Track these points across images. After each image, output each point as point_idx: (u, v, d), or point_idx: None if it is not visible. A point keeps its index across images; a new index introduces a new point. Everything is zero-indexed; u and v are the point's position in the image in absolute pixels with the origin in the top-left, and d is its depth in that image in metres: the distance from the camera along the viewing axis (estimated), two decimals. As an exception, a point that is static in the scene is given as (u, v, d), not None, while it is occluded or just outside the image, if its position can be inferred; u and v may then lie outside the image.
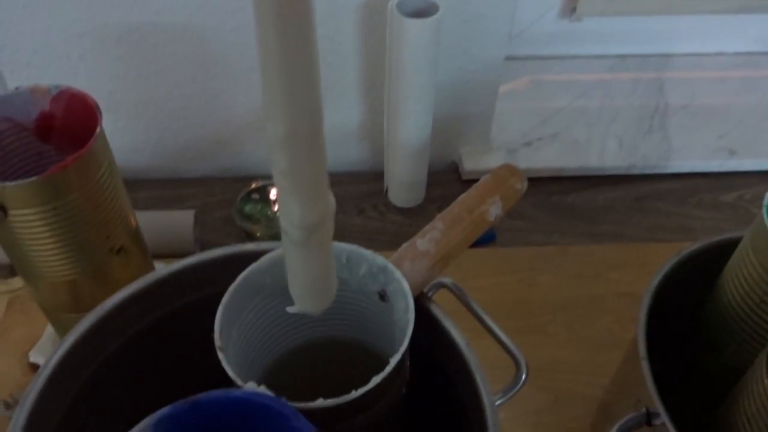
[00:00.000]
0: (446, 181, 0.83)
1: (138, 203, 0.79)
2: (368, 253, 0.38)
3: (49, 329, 0.63)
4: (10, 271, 0.69)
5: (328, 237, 0.28)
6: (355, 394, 0.32)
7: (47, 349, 0.62)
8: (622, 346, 0.56)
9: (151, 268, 0.59)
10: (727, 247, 0.48)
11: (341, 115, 0.80)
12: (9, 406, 0.59)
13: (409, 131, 0.74)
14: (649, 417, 0.42)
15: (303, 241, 0.27)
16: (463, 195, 0.43)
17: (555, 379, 0.63)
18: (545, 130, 0.87)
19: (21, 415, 0.35)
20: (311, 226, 0.27)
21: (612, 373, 0.56)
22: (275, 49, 0.21)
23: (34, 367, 0.62)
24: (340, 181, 0.82)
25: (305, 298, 0.31)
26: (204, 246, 0.75)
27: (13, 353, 0.64)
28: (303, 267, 0.29)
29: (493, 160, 0.83)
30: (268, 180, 0.75)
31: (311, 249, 0.28)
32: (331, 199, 0.27)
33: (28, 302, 0.66)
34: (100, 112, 0.48)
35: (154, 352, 0.42)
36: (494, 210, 0.43)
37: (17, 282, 0.68)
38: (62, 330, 0.57)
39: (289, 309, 0.33)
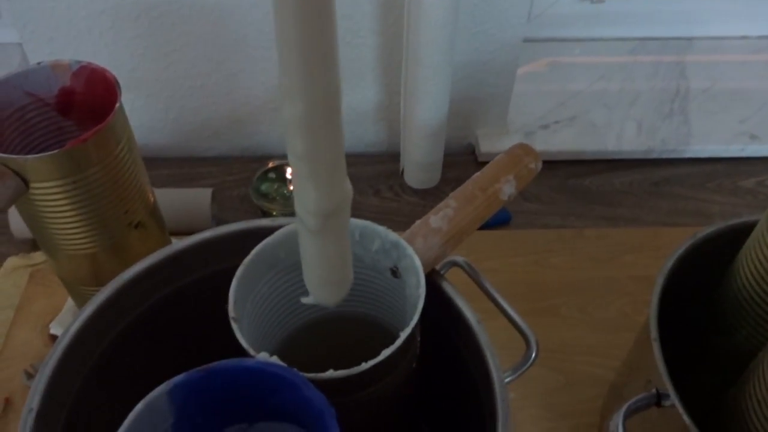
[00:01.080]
0: (462, 162, 0.83)
1: (156, 181, 0.79)
2: (381, 229, 0.38)
3: (70, 302, 0.65)
4: (32, 246, 0.71)
5: (345, 225, 0.27)
6: (365, 365, 0.32)
7: (67, 322, 0.63)
8: (635, 329, 0.56)
9: (169, 244, 0.60)
10: (743, 231, 0.47)
11: (358, 95, 0.80)
12: (31, 376, 0.61)
13: (426, 112, 0.74)
14: (659, 398, 0.42)
15: (319, 229, 0.26)
16: (477, 173, 0.43)
17: (567, 360, 0.63)
18: (563, 113, 0.86)
19: (40, 383, 0.36)
20: (327, 214, 0.26)
21: (624, 356, 0.56)
22: (293, 24, 0.21)
23: (55, 339, 0.63)
24: (356, 161, 0.82)
25: (320, 289, 0.31)
26: (220, 224, 0.76)
27: (35, 325, 0.65)
28: (318, 256, 0.28)
29: (510, 143, 0.80)
30: (284, 159, 0.75)
31: (327, 237, 0.27)
32: (349, 185, 0.26)
33: (49, 275, 0.67)
34: (120, 88, 0.48)
35: (170, 324, 0.43)
36: (508, 189, 0.43)
37: (38, 256, 0.70)
38: (82, 302, 0.58)
39: (304, 300, 0.32)
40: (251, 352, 0.33)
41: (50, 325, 0.64)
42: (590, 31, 0.95)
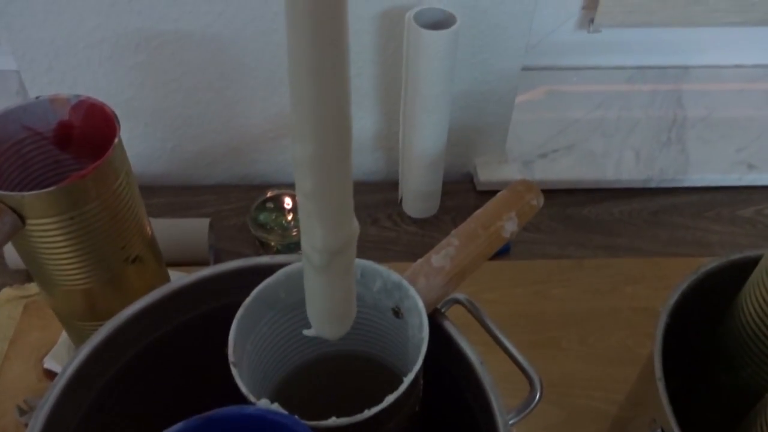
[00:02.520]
0: (461, 191, 0.83)
1: (154, 210, 0.79)
2: (383, 269, 0.37)
3: (64, 335, 0.64)
4: (27, 276, 0.70)
5: (351, 262, 0.28)
6: (368, 413, 0.31)
7: (62, 355, 0.62)
8: (637, 362, 0.55)
9: (166, 277, 0.60)
10: (746, 266, 0.47)
11: (357, 124, 0.80)
12: (23, 412, 0.60)
13: (425, 141, 0.74)
14: (664, 438, 0.42)
15: (324, 266, 0.27)
16: (478, 210, 0.43)
17: (568, 394, 0.62)
18: (561, 142, 0.86)
19: (36, 425, 0.35)
20: (334, 251, 0.26)
21: (626, 390, 0.56)
22: (308, 66, 0.20)
23: (48, 373, 0.63)
24: (354, 190, 0.81)
25: (323, 323, 0.31)
26: (218, 254, 0.76)
27: (28, 358, 0.64)
28: (323, 292, 0.28)
29: (509, 171, 0.82)
30: (282, 189, 0.75)
31: (332, 274, 0.27)
32: (355, 224, 0.26)
33: (44, 307, 0.67)
34: (119, 122, 0.48)
35: (168, 363, 0.42)
36: (510, 226, 0.42)
37: (33, 287, 0.69)
38: (76, 337, 0.57)
39: (306, 332, 0.32)
40: (251, 398, 0.32)
41: (44, 359, 0.63)
42: (588, 59, 0.96)
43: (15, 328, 0.66)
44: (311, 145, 0.22)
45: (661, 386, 0.42)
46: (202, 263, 0.73)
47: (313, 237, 0.25)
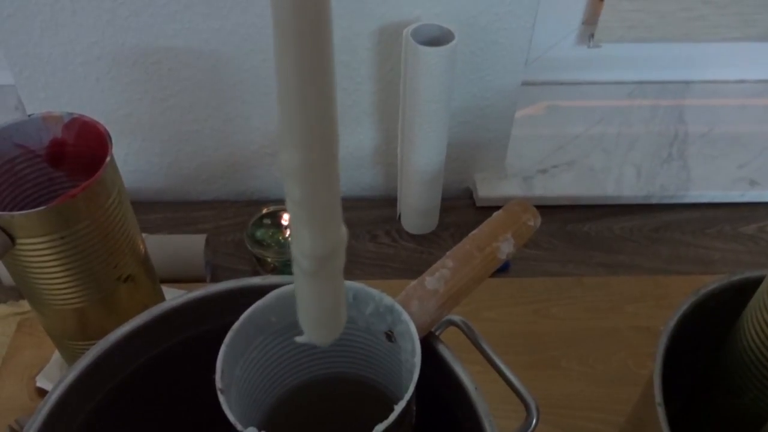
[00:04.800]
0: (460, 207, 0.82)
1: (150, 225, 0.79)
2: (375, 292, 0.37)
3: (57, 354, 0.63)
4: (21, 293, 0.69)
5: (340, 268, 0.28)
6: (357, 443, 0.31)
7: (54, 374, 0.62)
8: (638, 383, 0.54)
9: (160, 295, 0.59)
10: (748, 286, 0.46)
11: (355, 140, 0.79)
12: (14, 432, 0.59)
13: (423, 157, 0.73)
14: (664, 465, 0.41)
15: (314, 272, 0.27)
16: (474, 231, 0.42)
17: (567, 415, 0.61)
18: (561, 158, 0.85)
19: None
20: (323, 257, 0.26)
21: (627, 411, 0.55)
22: (293, 75, 0.21)
23: (41, 392, 0.62)
24: (352, 206, 0.81)
25: (314, 329, 0.30)
26: (215, 270, 0.75)
27: (21, 377, 0.63)
28: (313, 297, 0.28)
29: (508, 187, 0.82)
30: (280, 205, 0.75)
31: (322, 280, 0.27)
32: (344, 230, 0.26)
33: (37, 325, 0.66)
34: (111, 141, 0.48)
35: (157, 387, 0.42)
36: (506, 247, 0.42)
37: (27, 304, 0.68)
38: (69, 356, 0.56)
39: (298, 339, 0.31)
40: (239, 427, 0.31)
41: (36, 378, 0.62)
42: (588, 74, 0.95)
43: (8, 346, 0.66)
44: (299, 153, 0.23)
45: (661, 412, 0.41)
46: (199, 280, 0.72)
47: (302, 243, 0.25)
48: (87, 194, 0.45)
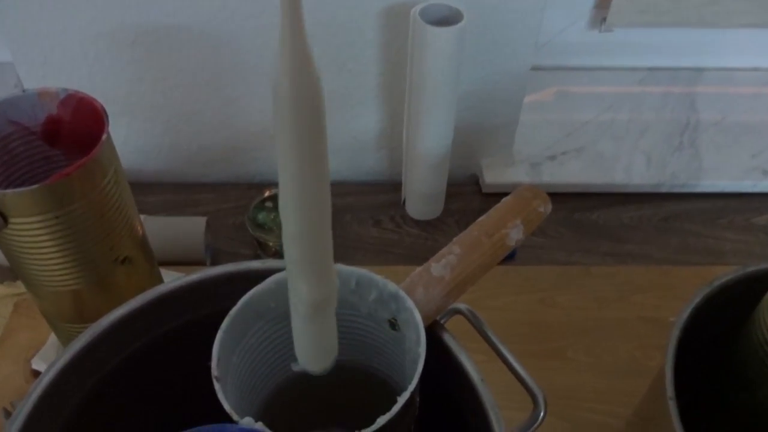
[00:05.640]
0: (466, 194, 0.81)
1: (151, 207, 0.78)
2: (379, 278, 0.35)
3: (54, 336, 0.62)
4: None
5: (332, 312, 0.31)
6: (358, 436, 0.29)
7: (50, 357, 0.61)
8: (645, 375, 0.53)
9: (158, 278, 0.58)
10: (763, 278, 0.45)
11: (360, 123, 0.78)
12: (9, 415, 0.58)
13: (430, 142, 0.71)
14: (674, 461, 0.39)
15: (309, 316, 0.30)
16: (482, 217, 0.40)
17: (573, 407, 0.60)
18: (570, 144, 0.84)
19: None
20: (317, 304, 0.29)
21: (634, 404, 0.54)
22: (291, 162, 0.25)
23: (37, 374, 0.61)
24: (356, 191, 0.80)
25: (308, 360, 0.33)
26: (216, 254, 0.74)
27: (17, 359, 0.62)
28: (308, 335, 0.32)
29: (516, 174, 0.80)
30: (282, 188, 0.73)
31: (316, 322, 0.31)
32: (335, 280, 0.30)
33: (34, 306, 0.64)
34: (107, 118, 0.46)
35: (153, 371, 0.40)
36: (515, 234, 0.40)
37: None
38: (65, 338, 0.55)
39: (294, 367, 0.34)
40: (234, 416, 0.30)
41: (32, 360, 0.61)
42: (599, 59, 0.93)
43: (4, 327, 0.64)
44: (296, 225, 0.26)
45: (673, 406, 0.40)
46: (199, 263, 0.71)
47: (299, 293, 0.29)
48: (82, 173, 0.43)
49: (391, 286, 0.35)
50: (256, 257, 0.72)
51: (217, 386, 0.31)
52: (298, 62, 0.21)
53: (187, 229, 0.71)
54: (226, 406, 0.30)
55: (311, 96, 0.22)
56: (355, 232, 0.76)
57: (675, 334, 0.43)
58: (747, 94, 0.92)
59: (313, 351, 0.33)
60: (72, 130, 0.49)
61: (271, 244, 0.70)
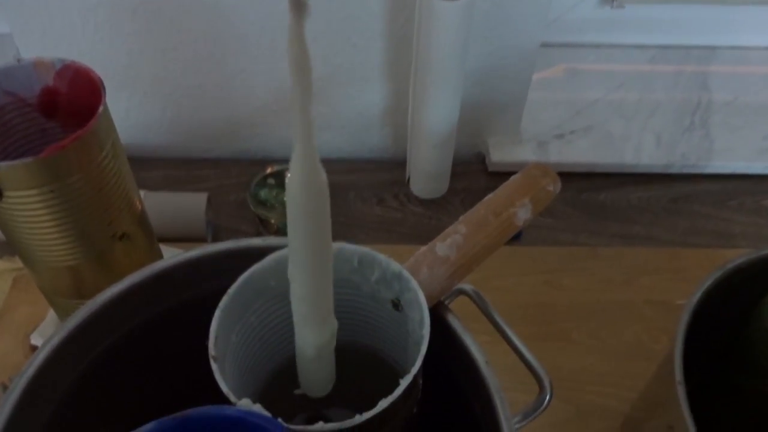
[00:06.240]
0: (471, 172, 0.79)
1: (151, 183, 0.76)
2: (382, 257, 0.34)
3: (53, 311, 0.61)
4: (17, 249, 0.67)
5: (331, 349, 0.34)
6: (359, 418, 0.29)
7: (49, 333, 0.60)
8: (651, 358, 0.52)
9: (158, 255, 0.57)
10: (776, 262, 0.44)
11: (364, 99, 0.76)
12: (7, 389, 0.57)
13: (435, 119, 0.70)
14: (682, 447, 0.39)
15: (314, 356, 0.34)
16: (489, 195, 0.39)
17: (577, 389, 0.59)
18: (579, 123, 0.82)
19: (4, 410, 0.33)
20: (320, 347, 0.33)
21: (639, 387, 0.53)
22: (301, 245, 0.29)
23: (36, 350, 0.60)
24: (360, 168, 0.79)
25: (311, 388, 0.36)
26: (217, 231, 0.73)
27: (16, 334, 0.62)
28: (311, 370, 0.35)
29: (522, 153, 0.79)
30: (284, 164, 0.72)
31: (319, 359, 0.34)
32: (334, 322, 0.33)
33: (33, 281, 0.64)
34: (105, 90, 0.45)
35: (151, 349, 0.39)
36: (523, 213, 0.39)
37: (23, 260, 0.66)
38: (63, 314, 0.55)
39: (296, 391, 0.36)
40: (232, 398, 0.29)
41: (31, 336, 0.60)
42: (609, 37, 0.91)
43: (3, 302, 0.64)
44: (304, 288, 0.31)
45: (681, 391, 0.39)
46: (200, 240, 0.70)
47: (306, 339, 0.33)
48: (78, 146, 0.42)
49: (395, 265, 0.34)
50: (258, 234, 0.71)
51: (214, 366, 0.30)
52: (308, 169, 0.26)
53: (188, 205, 0.70)
54: (224, 387, 0.29)
55: (317, 193, 0.27)
56: (358, 210, 0.75)
57: (685, 318, 0.42)
58: (760, 73, 0.90)
59: (315, 381, 0.36)
60: (69, 102, 0.48)
61: (272, 221, 0.69)
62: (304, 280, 0.30)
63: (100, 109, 0.43)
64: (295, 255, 0.29)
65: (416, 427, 0.36)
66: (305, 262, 0.29)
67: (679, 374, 0.40)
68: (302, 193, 0.26)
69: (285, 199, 0.29)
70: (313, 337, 0.32)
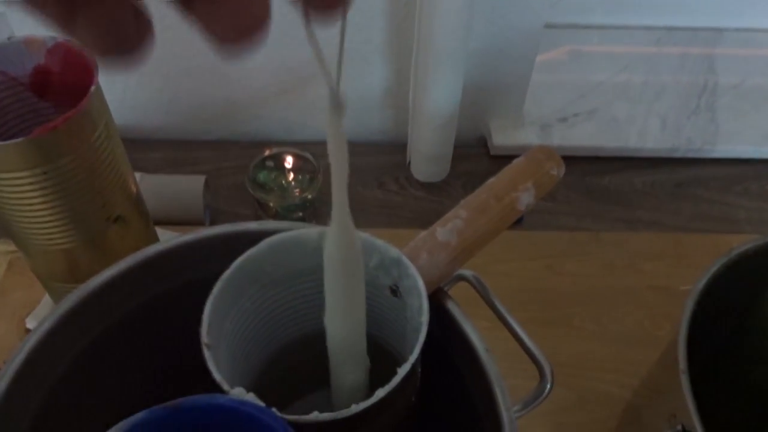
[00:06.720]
0: (473, 156, 0.78)
1: (149, 165, 0.75)
2: (381, 243, 0.33)
3: (48, 295, 0.61)
4: (12, 231, 0.67)
5: (366, 383, 0.35)
6: (355, 408, 0.28)
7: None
8: (654, 345, 0.51)
9: (154, 238, 0.56)
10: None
11: (365, 80, 0.75)
12: (3, 374, 0.57)
13: (437, 101, 0.69)
14: (685, 436, 0.38)
15: (349, 391, 0.35)
16: (491, 179, 0.38)
17: (578, 376, 0.59)
18: (583, 106, 0.81)
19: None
20: (354, 382, 0.35)
21: (641, 373, 0.52)
22: (338, 302, 0.31)
23: (32, 334, 0.59)
24: (360, 151, 0.77)
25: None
26: (215, 214, 0.72)
27: (11, 317, 0.61)
28: (345, 400, 0.35)
29: (525, 136, 0.77)
30: (283, 147, 0.71)
31: (353, 391, 0.35)
32: (367, 362, 0.34)
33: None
34: (98, 69, 0.44)
35: (144, 335, 0.39)
36: (526, 198, 0.38)
37: (18, 243, 0.65)
38: (58, 299, 0.54)
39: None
40: (224, 386, 0.28)
41: (26, 319, 0.60)
42: (614, 18, 0.89)
43: (-2, 285, 0.63)
44: (340, 334, 0.33)
45: (685, 380, 0.38)
46: (197, 223, 0.69)
47: (342, 377, 0.34)
48: (70, 126, 0.41)
49: (393, 251, 0.33)
50: (257, 218, 0.70)
51: (206, 354, 0.29)
52: (345, 241, 0.29)
53: (185, 187, 0.69)
54: (216, 376, 0.29)
55: (353, 260, 0.29)
56: (358, 194, 0.74)
57: (689, 304, 0.41)
58: (768, 56, 0.88)
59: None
60: (61, 82, 0.47)
61: (271, 204, 0.68)
62: (341, 326, 0.32)
63: (92, 88, 0.42)
64: (332, 306, 0.31)
65: (415, 416, 0.35)
66: (342, 311, 0.31)
67: (683, 363, 0.39)
68: (339, 259, 0.29)
69: (323, 259, 0.30)
70: (349, 377, 0.34)
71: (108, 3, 0.16)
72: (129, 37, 0.17)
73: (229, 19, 0.17)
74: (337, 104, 0.25)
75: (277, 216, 0.69)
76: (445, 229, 0.35)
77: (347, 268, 0.30)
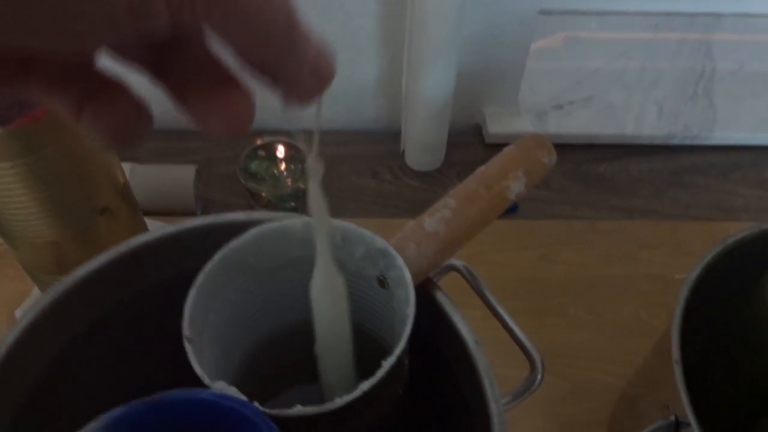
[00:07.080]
0: (468, 144, 0.78)
1: (138, 155, 0.75)
2: (366, 233, 0.33)
3: (37, 287, 0.60)
4: (2, 223, 0.66)
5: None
6: (339, 402, 0.27)
7: (35, 309, 0.59)
8: (649, 334, 0.51)
9: (143, 229, 0.55)
10: (779, 236, 0.42)
11: (357, 68, 0.74)
12: (-7, 367, 0.56)
13: (430, 89, 0.68)
14: (678, 427, 0.38)
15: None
16: (481, 168, 0.38)
17: (573, 366, 0.58)
18: (579, 93, 0.80)
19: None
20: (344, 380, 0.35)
21: (636, 363, 0.52)
22: (326, 331, 0.33)
23: (22, 327, 0.59)
24: (353, 140, 0.77)
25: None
26: (207, 204, 0.71)
27: (1, 310, 0.60)
28: None
29: (520, 124, 0.77)
30: (276, 136, 0.70)
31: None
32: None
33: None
34: (81, 58, 0.43)
35: (129, 329, 0.38)
36: (516, 186, 0.37)
37: (8, 235, 0.65)
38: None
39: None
40: (205, 380, 0.28)
41: (16, 311, 0.59)
42: (611, 3, 0.88)
43: (-13, 278, 0.63)
44: (330, 363, 0.34)
45: (678, 371, 0.38)
46: (189, 214, 0.68)
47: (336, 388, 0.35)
48: (52, 117, 0.40)
49: (380, 241, 0.32)
50: (249, 208, 0.70)
51: (188, 347, 0.29)
52: (329, 280, 0.31)
53: (176, 178, 0.68)
54: (197, 369, 0.28)
55: (338, 295, 0.31)
56: (351, 184, 0.73)
57: (683, 293, 0.41)
58: (766, 42, 0.87)
59: None
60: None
61: (264, 194, 0.67)
62: (330, 356, 0.34)
63: (75, 77, 0.41)
64: (322, 338, 0.33)
65: (404, 409, 0.35)
66: (330, 341, 0.33)
67: (676, 353, 0.38)
68: (325, 297, 0.31)
69: (310, 296, 0.32)
70: (336, 372, 0.35)
71: (113, 99, 0.18)
72: (130, 131, 0.19)
73: (218, 116, 0.19)
74: (314, 169, 0.27)
75: (269, 206, 0.68)
76: (433, 219, 0.35)
77: (333, 307, 0.32)
